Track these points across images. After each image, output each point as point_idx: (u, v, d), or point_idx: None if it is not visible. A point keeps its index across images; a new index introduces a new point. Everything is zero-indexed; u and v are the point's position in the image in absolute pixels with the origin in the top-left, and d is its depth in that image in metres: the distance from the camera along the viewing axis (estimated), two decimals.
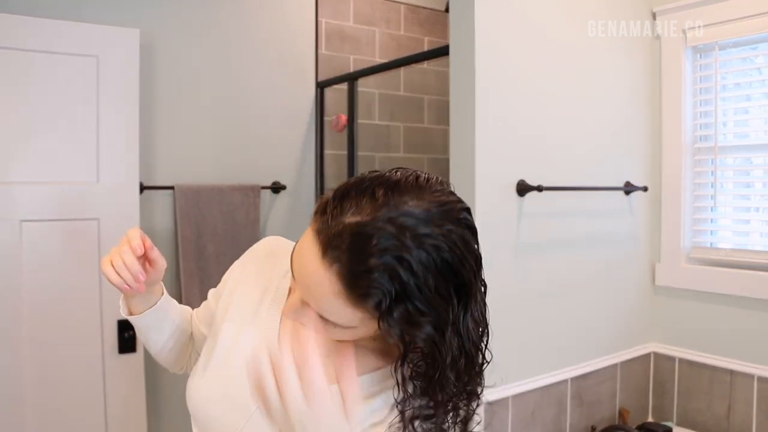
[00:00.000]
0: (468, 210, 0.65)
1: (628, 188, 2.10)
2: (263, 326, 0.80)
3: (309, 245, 0.63)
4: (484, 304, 0.69)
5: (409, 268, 0.59)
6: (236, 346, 0.80)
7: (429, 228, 0.60)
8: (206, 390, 0.79)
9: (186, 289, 2.21)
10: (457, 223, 0.62)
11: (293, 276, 0.67)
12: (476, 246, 0.65)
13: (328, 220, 0.61)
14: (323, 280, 0.61)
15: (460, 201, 0.65)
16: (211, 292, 0.97)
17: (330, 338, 0.70)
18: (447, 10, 2.71)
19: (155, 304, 0.93)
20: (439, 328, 0.63)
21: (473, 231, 0.65)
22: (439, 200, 0.62)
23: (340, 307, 0.62)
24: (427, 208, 0.61)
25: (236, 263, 0.92)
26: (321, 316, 0.65)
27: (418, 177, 0.64)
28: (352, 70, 2.62)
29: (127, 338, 1.96)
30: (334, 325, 0.65)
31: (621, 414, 2.14)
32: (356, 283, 0.60)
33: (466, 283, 0.63)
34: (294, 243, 0.71)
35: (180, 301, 2.20)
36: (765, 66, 2.03)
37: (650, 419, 2.25)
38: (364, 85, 2.62)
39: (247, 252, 0.92)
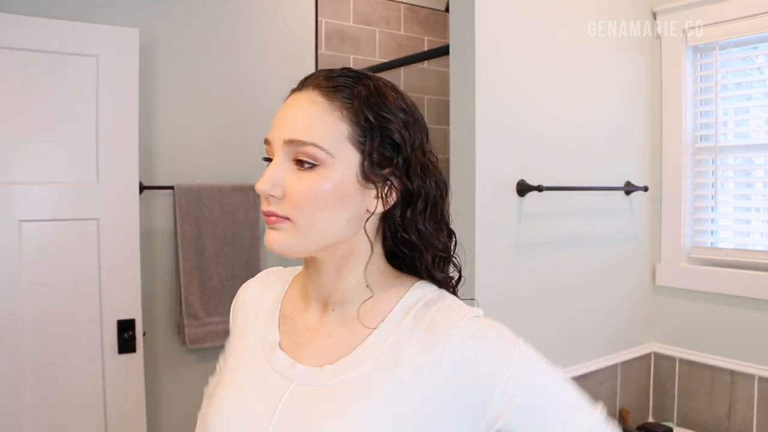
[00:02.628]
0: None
1: (629, 188, 2.10)
2: (263, 337, 0.79)
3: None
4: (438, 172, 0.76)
5: (369, 81, 0.71)
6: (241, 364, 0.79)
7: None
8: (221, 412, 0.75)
9: (186, 289, 2.21)
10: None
11: (270, 142, 0.71)
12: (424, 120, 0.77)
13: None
14: (303, 101, 0.70)
15: None
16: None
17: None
18: (447, 9, 2.71)
19: None
20: (405, 138, 0.71)
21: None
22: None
23: (318, 114, 0.68)
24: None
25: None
26: (297, 161, 0.68)
27: None
28: None
29: (127, 338, 1.96)
30: (312, 163, 0.68)
31: (621, 414, 2.13)
32: (329, 85, 0.70)
33: (417, 117, 0.74)
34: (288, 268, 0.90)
35: (179, 301, 2.21)
36: (765, 66, 2.02)
37: (651, 419, 2.24)
38: None
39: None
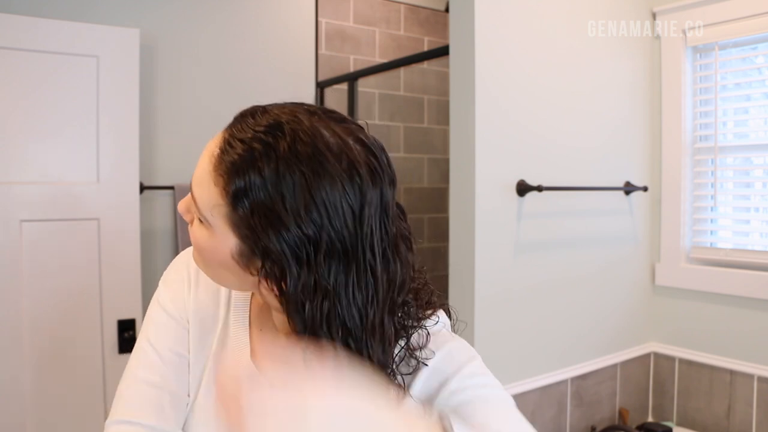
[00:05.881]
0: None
1: (628, 188, 2.10)
2: (233, 346, 0.73)
3: None
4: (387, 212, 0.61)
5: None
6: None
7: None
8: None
9: None
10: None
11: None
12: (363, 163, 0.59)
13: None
14: (211, 147, 0.66)
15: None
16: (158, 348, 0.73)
17: None
18: (447, 10, 2.71)
19: None
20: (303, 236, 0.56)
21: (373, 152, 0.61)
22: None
23: (207, 173, 0.63)
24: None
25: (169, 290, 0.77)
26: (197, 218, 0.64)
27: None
28: (352, 70, 2.62)
29: (127, 338, 1.96)
30: (199, 218, 0.64)
31: (621, 414, 2.14)
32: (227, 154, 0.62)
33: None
34: None
35: None
36: (765, 66, 2.03)
37: (650, 419, 2.25)
38: (364, 86, 2.61)
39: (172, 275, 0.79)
